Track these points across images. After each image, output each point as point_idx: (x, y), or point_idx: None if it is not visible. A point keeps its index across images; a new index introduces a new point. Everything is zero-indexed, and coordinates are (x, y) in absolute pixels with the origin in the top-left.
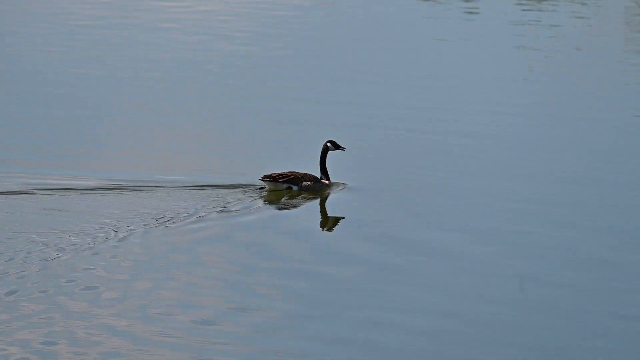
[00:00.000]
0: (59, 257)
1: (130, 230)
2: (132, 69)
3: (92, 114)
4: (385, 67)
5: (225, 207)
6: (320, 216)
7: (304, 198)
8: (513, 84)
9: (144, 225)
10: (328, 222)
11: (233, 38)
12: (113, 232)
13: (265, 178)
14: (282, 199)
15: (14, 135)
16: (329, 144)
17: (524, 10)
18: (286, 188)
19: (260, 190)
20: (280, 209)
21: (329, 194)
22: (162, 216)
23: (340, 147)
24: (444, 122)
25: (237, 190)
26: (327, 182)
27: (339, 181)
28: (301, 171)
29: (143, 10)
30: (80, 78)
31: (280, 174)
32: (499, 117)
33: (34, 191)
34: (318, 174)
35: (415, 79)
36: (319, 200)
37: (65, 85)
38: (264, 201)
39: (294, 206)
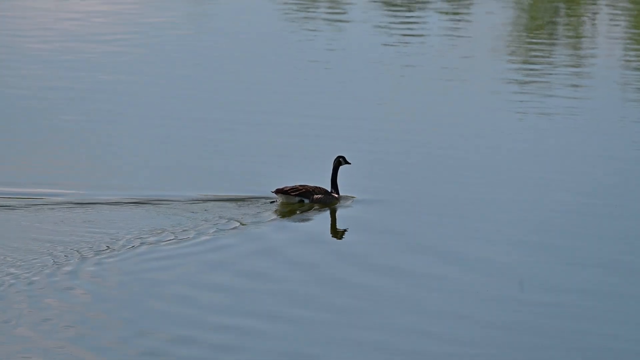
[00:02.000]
0: (13, 284)
1: (129, 243)
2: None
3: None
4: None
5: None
6: (324, 230)
7: (312, 212)
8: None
9: (139, 241)
10: (325, 238)
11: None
12: (77, 253)
13: (277, 192)
14: (296, 212)
15: None
16: (340, 159)
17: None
18: (298, 201)
19: (272, 203)
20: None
21: (338, 206)
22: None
23: (348, 162)
24: (444, 134)
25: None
26: (336, 195)
27: (347, 194)
28: (312, 184)
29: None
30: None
31: (292, 188)
32: (498, 130)
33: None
34: (324, 187)
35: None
36: (321, 215)
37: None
38: (276, 215)
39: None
